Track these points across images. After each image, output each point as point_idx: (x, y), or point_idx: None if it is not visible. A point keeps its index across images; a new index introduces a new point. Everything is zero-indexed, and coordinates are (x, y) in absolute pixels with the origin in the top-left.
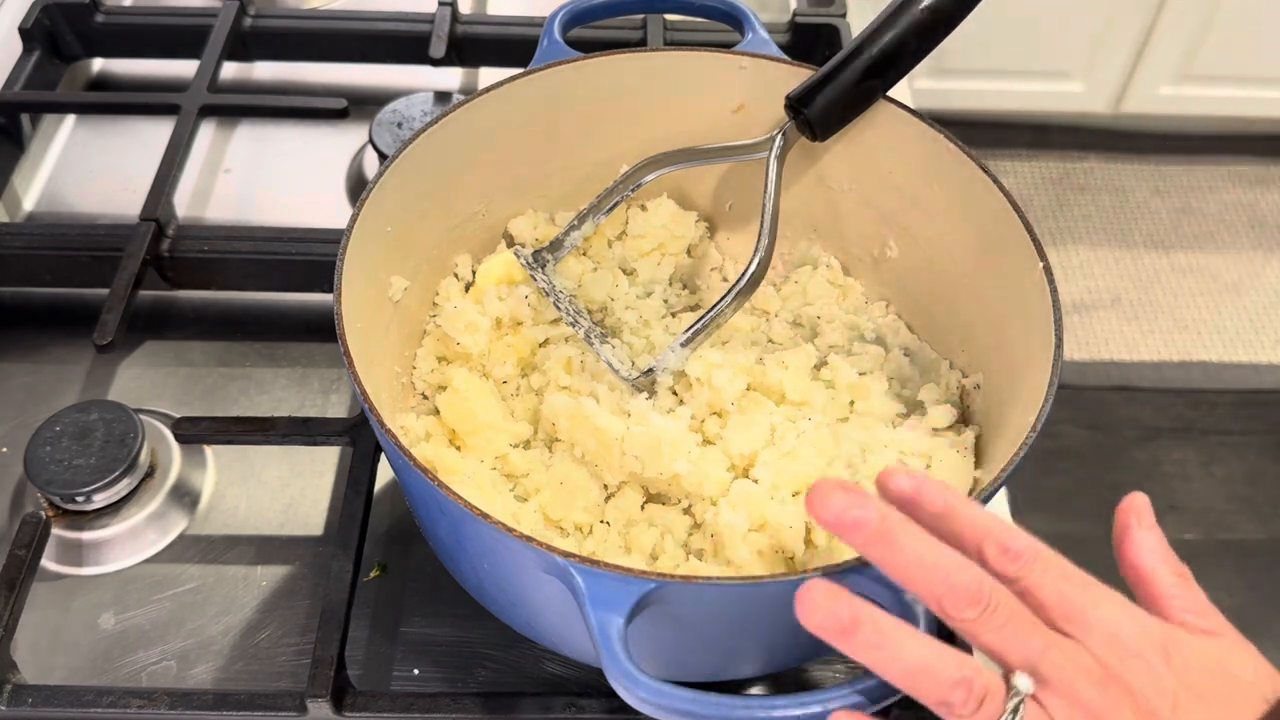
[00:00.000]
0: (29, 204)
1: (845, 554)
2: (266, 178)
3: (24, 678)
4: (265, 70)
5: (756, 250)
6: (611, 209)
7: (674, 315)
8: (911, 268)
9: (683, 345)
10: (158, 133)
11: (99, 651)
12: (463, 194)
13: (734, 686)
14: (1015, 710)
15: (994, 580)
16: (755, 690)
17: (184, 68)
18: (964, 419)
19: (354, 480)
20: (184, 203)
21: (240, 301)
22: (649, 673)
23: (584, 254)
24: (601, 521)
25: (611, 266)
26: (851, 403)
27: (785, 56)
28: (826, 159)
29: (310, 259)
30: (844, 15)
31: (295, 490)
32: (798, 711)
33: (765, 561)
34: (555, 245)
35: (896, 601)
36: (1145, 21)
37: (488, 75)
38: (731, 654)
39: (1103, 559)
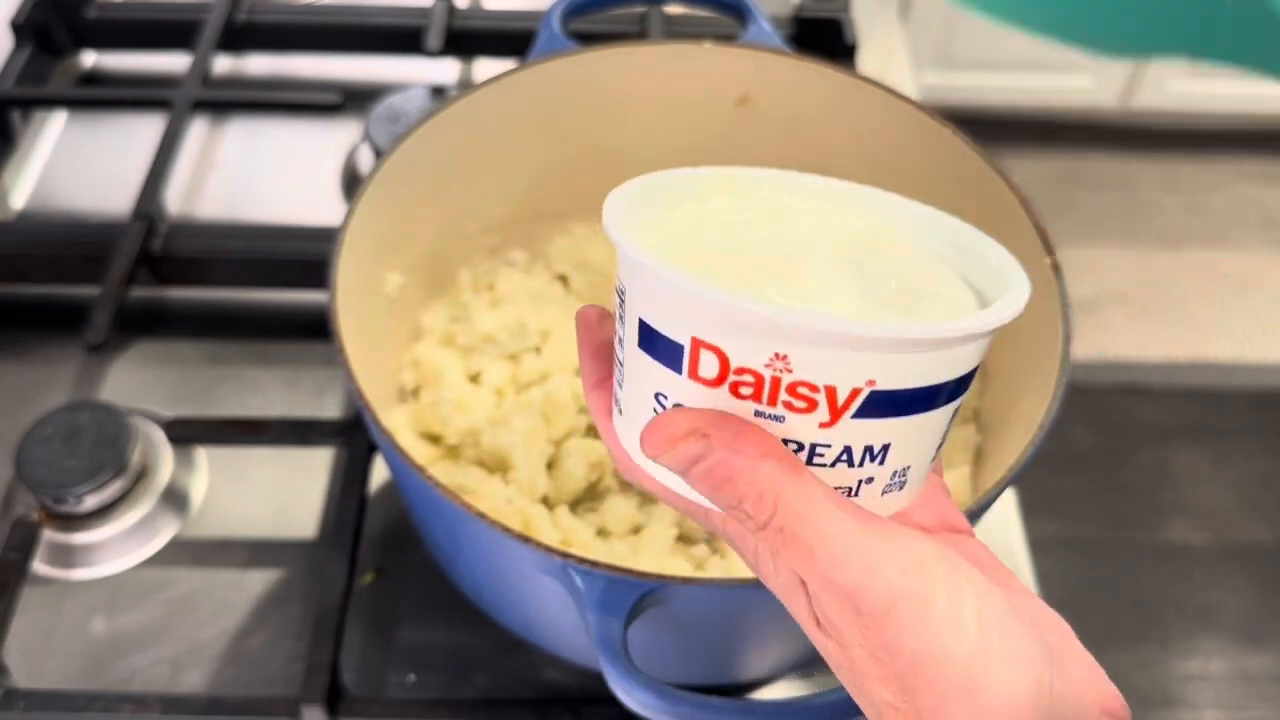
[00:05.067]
0: (19, 201)
1: None
2: (260, 174)
3: (15, 682)
4: (258, 65)
5: None
6: None
7: None
8: None
9: None
10: (150, 128)
11: (90, 656)
12: (460, 189)
13: (738, 691)
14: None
15: None
16: (760, 694)
17: (177, 62)
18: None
19: (348, 482)
20: (176, 199)
21: (232, 301)
22: (650, 676)
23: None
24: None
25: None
26: None
27: (788, 49)
28: (831, 154)
29: (304, 256)
30: (847, 9)
31: (288, 493)
32: (802, 714)
33: None
34: None
35: None
36: None
37: (485, 69)
38: (735, 657)
39: (1113, 562)
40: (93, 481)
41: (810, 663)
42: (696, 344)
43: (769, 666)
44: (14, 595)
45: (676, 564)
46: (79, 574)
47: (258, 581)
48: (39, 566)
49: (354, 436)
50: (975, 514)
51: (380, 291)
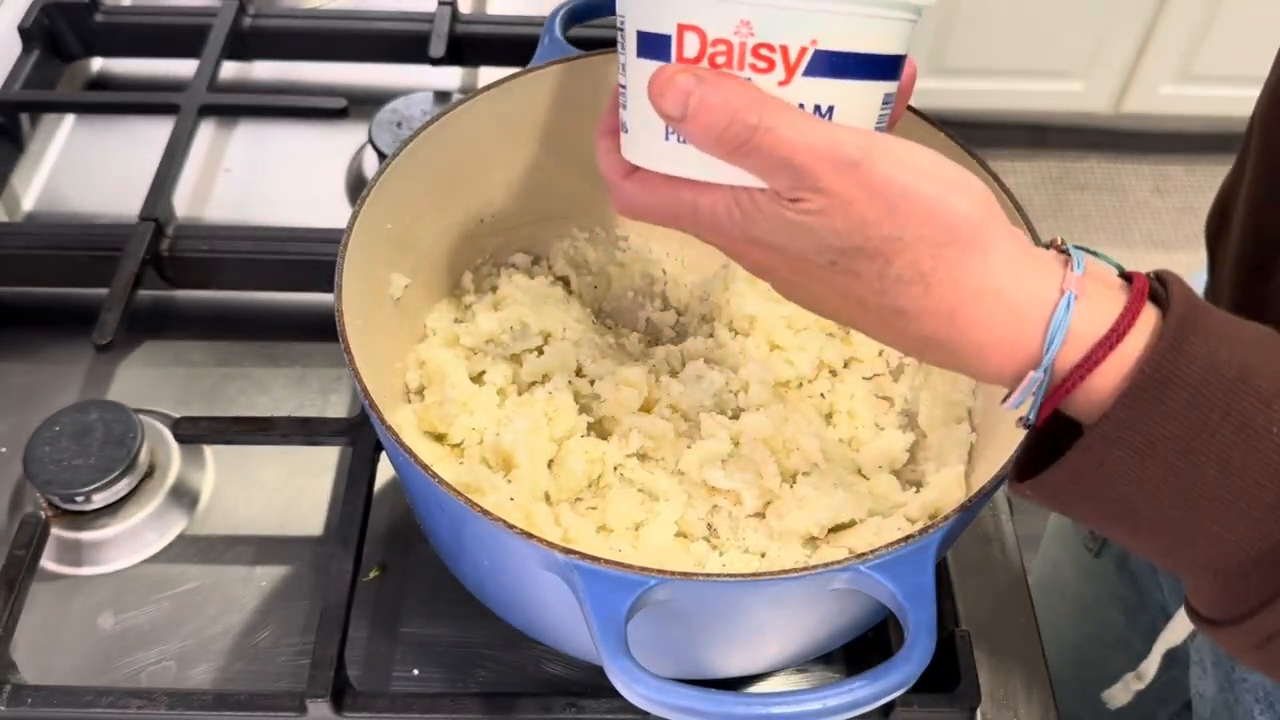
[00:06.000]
0: (28, 204)
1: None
2: (266, 177)
3: (23, 678)
4: (264, 70)
5: None
6: None
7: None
8: None
9: None
10: (157, 132)
11: (98, 652)
12: (463, 192)
13: (736, 684)
14: None
15: None
16: (757, 688)
17: (183, 67)
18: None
19: (353, 480)
20: (183, 202)
21: (239, 301)
22: (650, 670)
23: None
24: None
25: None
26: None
27: None
28: None
29: (310, 258)
30: None
31: (294, 490)
32: (799, 708)
33: None
34: None
35: (894, 601)
36: (1146, 20)
37: (488, 74)
38: (734, 651)
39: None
40: (101, 479)
41: (809, 656)
42: (681, 28)
43: (766, 661)
44: (23, 591)
45: (676, 560)
46: (87, 570)
47: (264, 578)
48: (47, 563)
49: (359, 435)
50: (969, 511)
51: (385, 293)
